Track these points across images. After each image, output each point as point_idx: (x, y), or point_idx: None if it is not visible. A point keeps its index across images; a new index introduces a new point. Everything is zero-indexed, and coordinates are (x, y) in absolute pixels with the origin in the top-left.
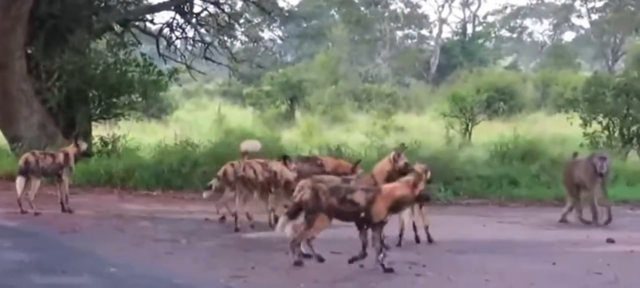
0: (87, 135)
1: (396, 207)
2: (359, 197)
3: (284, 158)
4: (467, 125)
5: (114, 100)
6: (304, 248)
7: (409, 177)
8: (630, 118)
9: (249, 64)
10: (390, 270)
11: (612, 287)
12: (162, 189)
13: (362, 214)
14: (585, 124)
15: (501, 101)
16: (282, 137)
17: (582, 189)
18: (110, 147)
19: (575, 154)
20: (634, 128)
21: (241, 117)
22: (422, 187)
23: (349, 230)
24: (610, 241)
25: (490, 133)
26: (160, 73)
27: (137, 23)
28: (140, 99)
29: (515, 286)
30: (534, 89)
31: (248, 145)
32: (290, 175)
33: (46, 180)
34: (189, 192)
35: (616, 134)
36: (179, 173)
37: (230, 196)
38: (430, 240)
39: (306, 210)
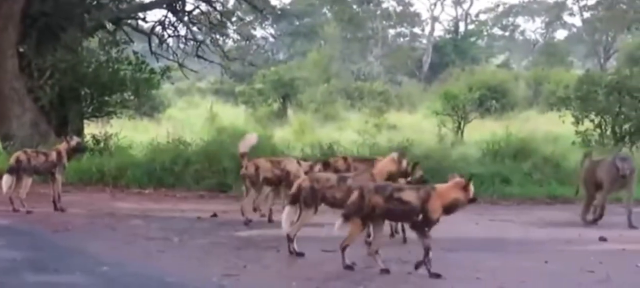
0: (79, 133)
1: (450, 208)
2: (410, 196)
3: (345, 159)
4: (460, 123)
5: (106, 98)
6: (347, 260)
7: (459, 179)
8: (623, 116)
9: (241, 62)
10: (437, 275)
11: (604, 286)
12: (154, 187)
13: (420, 216)
14: (577, 122)
15: (493, 99)
16: (274, 135)
17: (599, 189)
18: (102, 145)
19: (590, 152)
20: (626, 126)
21: (233, 115)
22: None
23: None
24: (603, 239)
25: (482, 131)
26: (152, 71)
27: (129, 21)
28: (132, 97)
29: (507, 284)
30: (526, 87)
31: (245, 144)
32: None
33: (38, 179)
34: (181, 190)
35: (608, 132)
36: (171, 172)
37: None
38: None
39: (348, 212)
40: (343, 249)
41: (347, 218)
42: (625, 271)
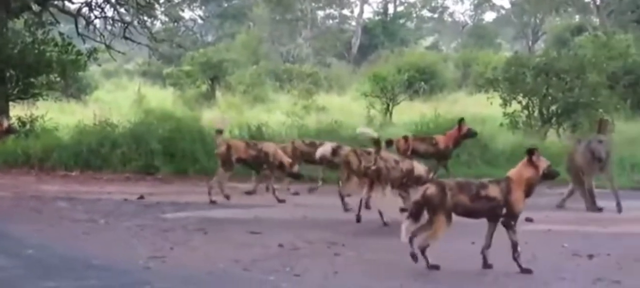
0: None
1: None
2: (494, 191)
3: (389, 143)
4: (388, 105)
5: (32, 80)
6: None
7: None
8: (550, 97)
9: (169, 43)
10: (528, 270)
11: (530, 265)
12: (80, 170)
13: (504, 210)
14: (505, 103)
15: (422, 81)
16: (202, 117)
17: (582, 175)
18: (28, 127)
19: (579, 140)
20: (553, 107)
21: (161, 97)
22: (545, 163)
23: (270, 211)
24: (529, 220)
25: (411, 113)
26: (79, 53)
27: (55, 2)
28: (58, 79)
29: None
30: (455, 69)
31: (221, 122)
32: (285, 158)
33: None
34: (107, 173)
35: (536, 114)
36: (97, 154)
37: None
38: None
39: (428, 207)
40: (423, 250)
41: (415, 218)
42: (551, 251)
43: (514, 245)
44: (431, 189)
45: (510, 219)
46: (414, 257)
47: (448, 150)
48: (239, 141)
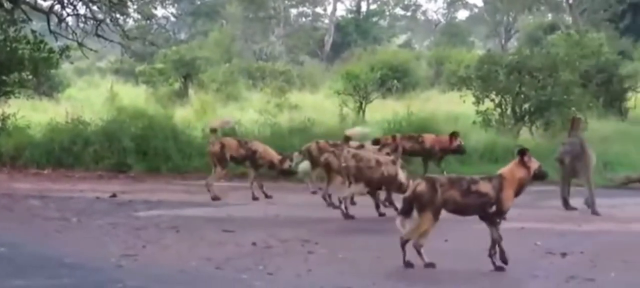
0: None
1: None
2: (485, 187)
3: (376, 142)
4: (361, 103)
5: (4, 77)
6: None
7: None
8: (523, 96)
9: (141, 41)
10: (501, 268)
11: (503, 263)
12: (52, 168)
13: (494, 207)
14: (478, 101)
15: (395, 79)
16: (175, 114)
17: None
18: (0, 125)
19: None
20: (526, 106)
21: (134, 94)
22: (536, 164)
23: (243, 209)
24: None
25: (384, 111)
26: (51, 50)
27: (27, 0)
28: (30, 77)
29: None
30: (428, 67)
31: (217, 122)
32: (275, 157)
33: None
34: (80, 171)
35: (508, 112)
36: (70, 152)
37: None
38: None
39: (417, 203)
40: (418, 249)
41: (406, 214)
42: (524, 249)
43: (494, 243)
44: (422, 186)
45: (497, 216)
46: (409, 264)
47: (433, 151)
48: (232, 139)
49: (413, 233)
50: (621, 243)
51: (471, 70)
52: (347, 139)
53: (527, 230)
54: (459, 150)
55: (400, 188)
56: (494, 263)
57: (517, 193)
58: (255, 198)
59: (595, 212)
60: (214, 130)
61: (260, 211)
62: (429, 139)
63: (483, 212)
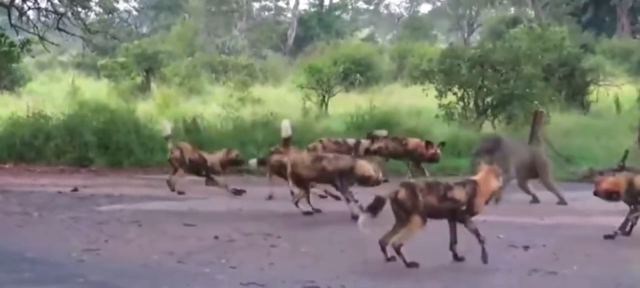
0: None
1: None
2: (459, 194)
3: (371, 137)
4: (324, 96)
5: None
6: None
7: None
8: (485, 89)
9: (103, 35)
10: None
11: (467, 256)
12: (14, 162)
13: (463, 208)
14: (440, 95)
15: (358, 73)
16: (137, 108)
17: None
18: None
19: None
20: (488, 99)
21: (96, 89)
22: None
23: (205, 202)
24: None
25: (346, 105)
26: (12, 44)
27: None
28: None
29: (371, 257)
30: (391, 61)
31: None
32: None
33: None
34: (41, 165)
35: (471, 105)
36: (31, 146)
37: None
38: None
39: (400, 210)
40: (398, 249)
41: (374, 213)
42: (486, 242)
43: (475, 232)
44: (402, 193)
45: (467, 216)
46: (392, 259)
47: (415, 153)
48: (186, 144)
49: (402, 238)
50: (583, 237)
51: (434, 64)
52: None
53: (489, 223)
54: (434, 159)
55: (369, 181)
56: (455, 255)
57: (487, 201)
58: (238, 192)
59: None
60: (168, 137)
61: (222, 205)
62: (412, 142)
63: (454, 216)
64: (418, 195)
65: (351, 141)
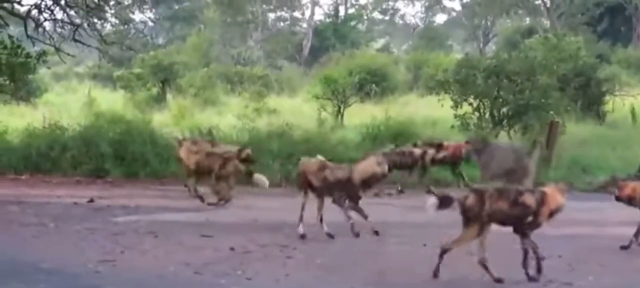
0: None
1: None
2: (530, 200)
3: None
4: (339, 107)
5: None
6: None
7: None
8: (501, 99)
9: (119, 46)
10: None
11: (481, 267)
12: (30, 173)
13: (530, 219)
14: (456, 105)
15: (373, 83)
16: (153, 119)
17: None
18: None
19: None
20: (504, 109)
21: (112, 100)
22: None
23: (221, 213)
24: None
25: (362, 115)
26: (28, 55)
27: (4, 4)
28: (7, 82)
29: (385, 267)
30: (406, 71)
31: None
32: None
33: None
34: (57, 176)
35: (487, 116)
36: (47, 157)
37: None
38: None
39: (465, 215)
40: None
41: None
42: (503, 253)
43: (525, 252)
44: (470, 199)
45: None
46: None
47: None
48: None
49: (456, 242)
50: (599, 247)
51: (449, 74)
52: None
53: (505, 233)
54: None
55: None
56: (527, 273)
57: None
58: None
59: None
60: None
61: (238, 216)
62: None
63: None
64: (485, 203)
65: (417, 151)
